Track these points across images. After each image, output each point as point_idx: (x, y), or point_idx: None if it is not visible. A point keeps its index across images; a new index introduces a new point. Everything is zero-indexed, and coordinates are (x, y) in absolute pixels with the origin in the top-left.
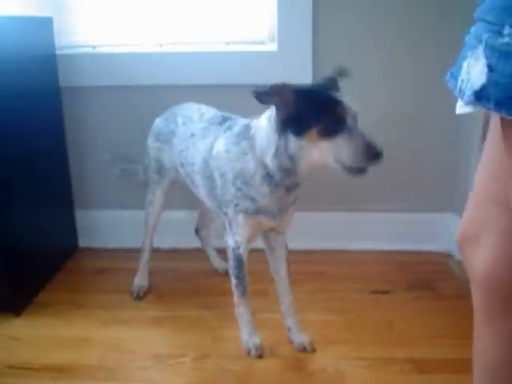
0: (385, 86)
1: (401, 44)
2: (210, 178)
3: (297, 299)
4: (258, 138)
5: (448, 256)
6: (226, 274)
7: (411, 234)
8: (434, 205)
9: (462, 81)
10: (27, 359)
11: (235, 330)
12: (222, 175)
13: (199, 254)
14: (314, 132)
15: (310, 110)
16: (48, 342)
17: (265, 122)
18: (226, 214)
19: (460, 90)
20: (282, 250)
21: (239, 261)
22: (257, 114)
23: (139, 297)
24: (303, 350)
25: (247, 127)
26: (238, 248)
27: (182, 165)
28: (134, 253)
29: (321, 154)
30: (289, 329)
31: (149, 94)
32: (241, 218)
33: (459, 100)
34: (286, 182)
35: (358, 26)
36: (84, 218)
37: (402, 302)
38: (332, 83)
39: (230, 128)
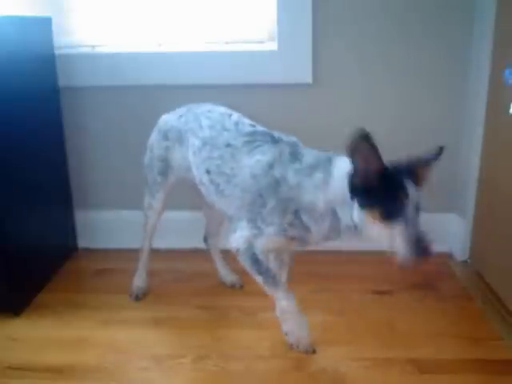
0: (385, 86)
1: (401, 43)
2: (256, 194)
3: (297, 299)
4: (334, 183)
5: (449, 256)
6: (233, 287)
7: None
8: (434, 205)
9: None
10: (26, 360)
11: (235, 331)
12: (281, 200)
13: (199, 254)
14: (375, 211)
15: (379, 188)
16: (47, 343)
17: (343, 171)
18: (259, 228)
19: None
20: (287, 257)
21: (254, 256)
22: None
23: (138, 298)
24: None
25: (324, 162)
26: (252, 249)
27: (209, 172)
28: (133, 253)
29: (377, 233)
30: (286, 333)
31: (148, 93)
32: (277, 237)
33: None
34: (346, 231)
35: (358, 25)
36: (83, 218)
37: (403, 303)
38: (426, 162)
39: (298, 159)
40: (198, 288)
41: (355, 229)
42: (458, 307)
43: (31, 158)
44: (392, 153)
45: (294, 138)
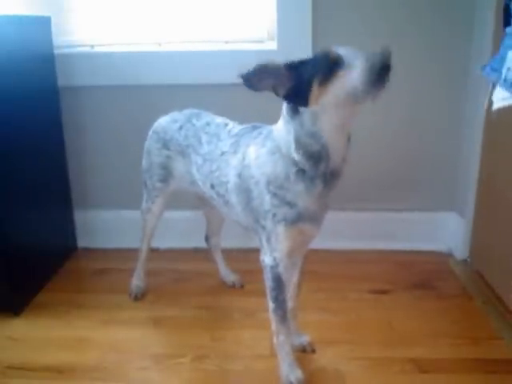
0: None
1: (401, 43)
2: (245, 191)
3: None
4: (279, 136)
5: (448, 255)
6: (234, 287)
7: (411, 234)
8: (434, 204)
9: (509, 69)
10: (26, 359)
11: (234, 331)
12: (256, 184)
13: (198, 254)
14: (315, 88)
15: (303, 72)
16: (47, 343)
17: (280, 119)
18: (264, 227)
19: (505, 80)
20: (301, 258)
21: (278, 281)
22: (270, 114)
23: (137, 298)
24: (303, 350)
25: (271, 129)
26: (277, 266)
27: (213, 186)
28: (133, 253)
29: (336, 105)
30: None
31: (148, 93)
32: (280, 228)
33: (500, 93)
34: (320, 169)
35: (358, 24)
36: (83, 218)
37: (403, 302)
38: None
39: (259, 134)
40: (197, 288)
41: (315, 140)
42: (458, 306)
43: (30, 157)
44: (391, 152)
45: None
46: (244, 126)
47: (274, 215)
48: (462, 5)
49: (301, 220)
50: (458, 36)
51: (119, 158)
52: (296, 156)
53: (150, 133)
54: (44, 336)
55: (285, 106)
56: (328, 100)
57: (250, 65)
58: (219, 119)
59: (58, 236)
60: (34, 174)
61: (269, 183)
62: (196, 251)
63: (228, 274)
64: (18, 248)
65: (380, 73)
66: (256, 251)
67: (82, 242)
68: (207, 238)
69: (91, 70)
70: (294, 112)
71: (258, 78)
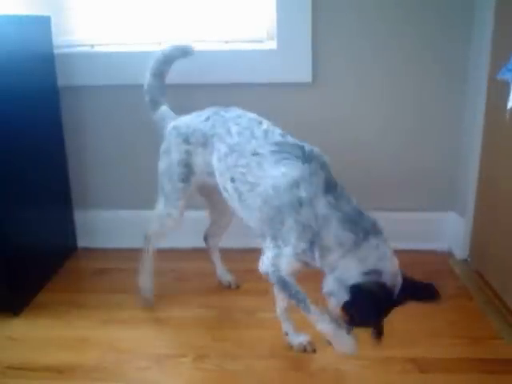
0: (385, 86)
1: (401, 43)
2: (275, 209)
3: None
4: (356, 258)
5: (448, 255)
6: (229, 287)
7: (412, 233)
8: (434, 204)
9: None
10: (26, 359)
11: (235, 331)
12: (299, 222)
13: (199, 253)
14: (347, 315)
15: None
16: (47, 343)
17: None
18: (278, 246)
19: None
20: None
21: (283, 281)
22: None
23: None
24: (304, 350)
25: (364, 234)
26: (279, 271)
27: (233, 180)
28: (133, 253)
29: (332, 315)
30: (286, 333)
31: None
32: (290, 254)
33: None
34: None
35: (358, 24)
36: (83, 218)
37: None
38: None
39: (331, 190)
40: (198, 288)
41: (327, 296)
42: (458, 306)
43: (30, 157)
44: (391, 152)
45: (325, 158)
46: (285, 135)
47: (293, 247)
48: (461, 6)
49: (308, 265)
50: (457, 36)
51: (119, 158)
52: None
53: (169, 130)
54: (44, 336)
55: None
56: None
57: (249, 65)
58: (251, 114)
59: (57, 236)
60: (34, 173)
61: (315, 245)
62: (196, 251)
63: (224, 274)
64: (18, 248)
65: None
66: (256, 251)
67: (81, 242)
68: (206, 238)
69: (91, 70)
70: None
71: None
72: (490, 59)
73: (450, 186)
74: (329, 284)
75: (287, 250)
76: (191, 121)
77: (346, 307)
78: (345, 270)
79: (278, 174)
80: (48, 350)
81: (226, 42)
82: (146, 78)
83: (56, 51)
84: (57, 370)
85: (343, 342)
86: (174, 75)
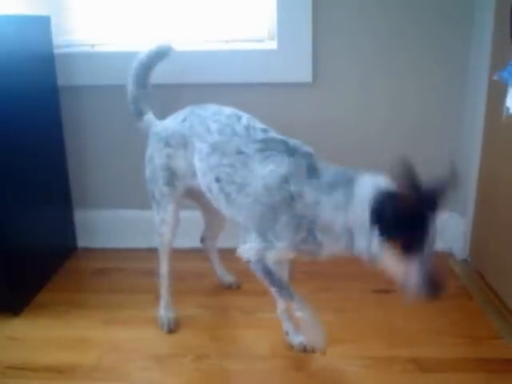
0: (386, 86)
1: (401, 43)
2: (268, 208)
3: None
4: (356, 206)
5: (449, 255)
6: (230, 288)
7: None
8: None
9: None
10: (26, 359)
11: (234, 330)
12: (295, 217)
13: (198, 253)
14: (397, 243)
15: (406, 220)
16: (47, 343)
17: (367, 194)
18: (270, 241)
19: None
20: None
21: (265, 267)
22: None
23: (172, 330)
24: (303, 350)
25: (345, 180)
26: (263, 261)
27: (219, 180)
28: (133, 252)
29: (392, 265)
30: (286, 333)
31: None
32: (284, 249)
33: None
34: (359, 255)
35: (358, 24)
36: (83, 217)
37: (403, 302)
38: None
39: (315, 172)
40: (197, 287)
41: (369, 255)
42: (458, 306)
43: (30, 157)
44: (391, 152)
45: (309, 149)
46: (267, 130)
47: (289, 241)
48: (461, 6)
49: (304, 252)
50: (457, 36)
51: (119, 158)
52: (356, 246)
53: (150, 136)
54: (44, 336)
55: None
56: (388, 261)
57: (250, 64)
58: (228, 109)
59: (57, 236)
60: (34, 173)
61: (317, 228)
62: (195, 251)
63: (224, 275)
64: (18, 248)
65: (429, 293)
66: None
67: (81, 242)
68: (202, 240)
69: (91, 70)
70: (373, 225)
71: (405, 185)
72: (489, 60)
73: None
74: (363, 247)
75: (281, 245)
76: (169, 123)
77: (384, 229)
78: (360, 220)
79: (266, 172)
80: (48, 349)
81: (226, 42)
82: (128, 88)
83: (56, 51)
84: (57, 369)
85: (315, 335)
86: (173, 75)
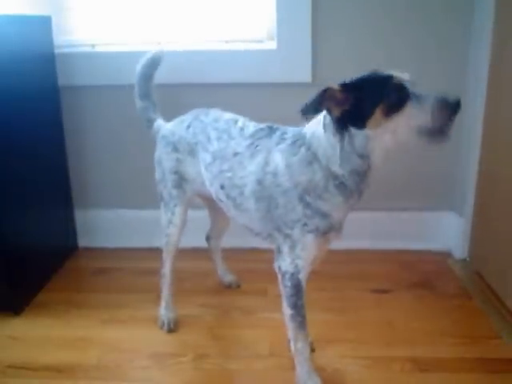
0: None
1: (401, 42)
2: (268, 199)
3: None
4: (318, 146)
5: (448, 255)
6: (230, 287)
7: (411, 233)
8: (434, 204)
9: None
10: (26, 359)
11: (235, 330)
12: (284, 193)
13: (199, 253)
14: (378, 114)
15: (365, 95)
16: (47, 342)
17: (319, 128)
18: (288, 235)
19: None
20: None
21: (298, 287)
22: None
23: (171, 330)
24: None
25: (300, 135)
26: (299, 272)
27: (223, 187)
28: (133, 252)
29: (394, 133)
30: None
31: None
32: (310, 239)
33: None
34: (361, 186)
35: (358, 24)
36: (83, 217)
37: (403, 301)
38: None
39: (282, 139)
40: (197, 287)
41: (364, 160)
42: (457, 306)
43: (31, 157)
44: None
45: (295, 128)
46: (258, 125)
47: (305, 225)
48: (461, 6)
49: (332, 230)
50: (458, 37)
51: (119, 158)
52: (339, 170)
53: (159, 140)
54: (44, 335)
55: (333, 122)
56: (389, 128)
57: (249, 64)
58: (228, 115)
59: (58, 235)
60: (34, 173)
61: (304, 193)
62: (196, 251)
63: (225, 274)
64: (18, 247)
65: (450, 114)
66: (256, 251)
67: (82, 242)
68: (208, 238)
69: (92, 70)
70: (343, 131)
71: (315, 107)
72: (490, 58)
73: (449, 186)
74: (355, 147)
75: (297, 233)
76: (176, 128)
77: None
78: (357, 139)
79: (255, 166)
80: (48, 349)
81: (226, 42)
82: (136, 101)
83: (57, 51)
84: (56, 369)
85: (307, 376)
86: (174, 75)
